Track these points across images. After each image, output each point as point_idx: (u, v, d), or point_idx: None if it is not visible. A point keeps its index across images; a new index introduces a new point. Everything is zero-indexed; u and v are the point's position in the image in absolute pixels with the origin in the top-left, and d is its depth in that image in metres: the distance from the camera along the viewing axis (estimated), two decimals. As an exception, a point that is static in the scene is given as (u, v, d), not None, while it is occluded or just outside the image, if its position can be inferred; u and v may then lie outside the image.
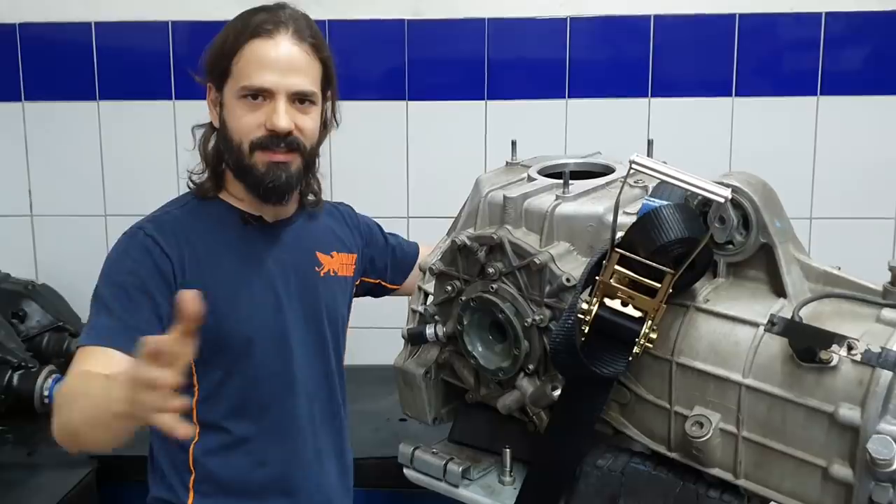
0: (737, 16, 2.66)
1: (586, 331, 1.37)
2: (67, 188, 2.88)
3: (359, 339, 2.55)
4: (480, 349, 1.60)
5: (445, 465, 1.66)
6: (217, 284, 1.62)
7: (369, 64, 2.79)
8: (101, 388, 1.39)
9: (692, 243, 1.31)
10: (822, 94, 2.68)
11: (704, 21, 2.68)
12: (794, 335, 1.26)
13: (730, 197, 1.26)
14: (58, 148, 2.86)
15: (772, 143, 2.70)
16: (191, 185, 1.74)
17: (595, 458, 1.48)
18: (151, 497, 1.74)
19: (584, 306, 1.36)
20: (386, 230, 2.04)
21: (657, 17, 2.69)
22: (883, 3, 2.63)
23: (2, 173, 2.89)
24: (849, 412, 1.22)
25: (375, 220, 2.03)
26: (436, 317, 1.68)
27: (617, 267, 1.36)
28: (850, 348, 1.20)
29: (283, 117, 1.61)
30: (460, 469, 1.63)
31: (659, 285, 1.34)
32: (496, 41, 2.73)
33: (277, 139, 1.62)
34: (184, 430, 1.25)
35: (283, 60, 1.61)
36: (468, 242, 1.56)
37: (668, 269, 1.33)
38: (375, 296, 2.04)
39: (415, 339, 1.71)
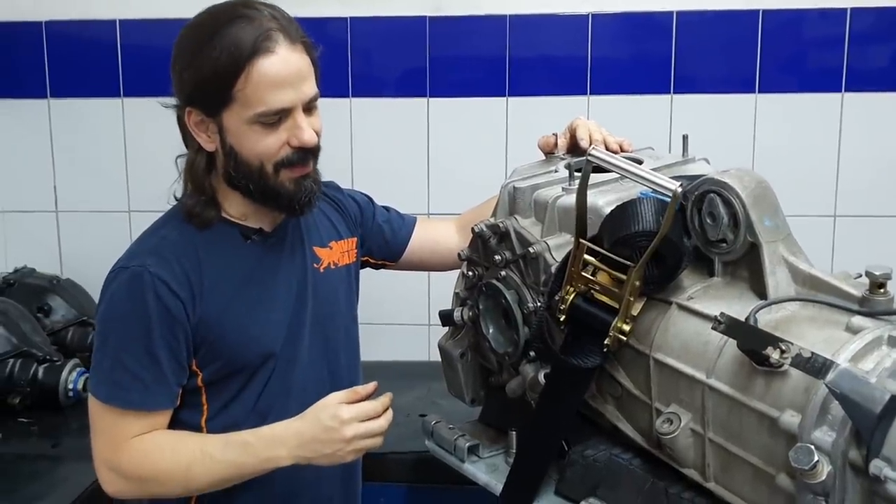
0: (760, 11, 2.71)
1: (562, 319, 1.45)
2: (92, 184, 3.00)
3: (377, 336, 2.67)
4: (493, 333, 1.68)
5: (455, 440, 1.77)
6: (228, 310, 1.64)
7: (390, 61, 2.88)
8: (237, 451, 1.59)
9: (654, 237, 1.34)
10: (846, 90, 2.72)
11: (728, 17, 2.73)
12: (737, 335, 1.25)
13: (679, 192, 1.29)
14: (83, 144, 2.99)
15: (796, 140, 2.76)
16: (186, 217, 1.67)
17: (585, 447, 1.54)
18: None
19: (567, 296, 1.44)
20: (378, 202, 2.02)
21: (680, 12, 2.74)
22: (909, -2, 2.66)
23: (28, 169, 3.02)
24: (790, 419, 1.20)
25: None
26: (467, 301, 1.75)
27: (587, 257, 1.42)
28: (782, 352, 1.19)
29: (309, 131, 1.59)
30: (467, 445, 1.74)
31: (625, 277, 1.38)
32: (518, 37, 2.80)
33: (306, 153, 1.62)
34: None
35: (293, 74, 1.57)
36: (484, 230, 1.66)
37: (626, 262, 1.38)
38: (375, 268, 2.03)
39: (445, 320, 1.79)
